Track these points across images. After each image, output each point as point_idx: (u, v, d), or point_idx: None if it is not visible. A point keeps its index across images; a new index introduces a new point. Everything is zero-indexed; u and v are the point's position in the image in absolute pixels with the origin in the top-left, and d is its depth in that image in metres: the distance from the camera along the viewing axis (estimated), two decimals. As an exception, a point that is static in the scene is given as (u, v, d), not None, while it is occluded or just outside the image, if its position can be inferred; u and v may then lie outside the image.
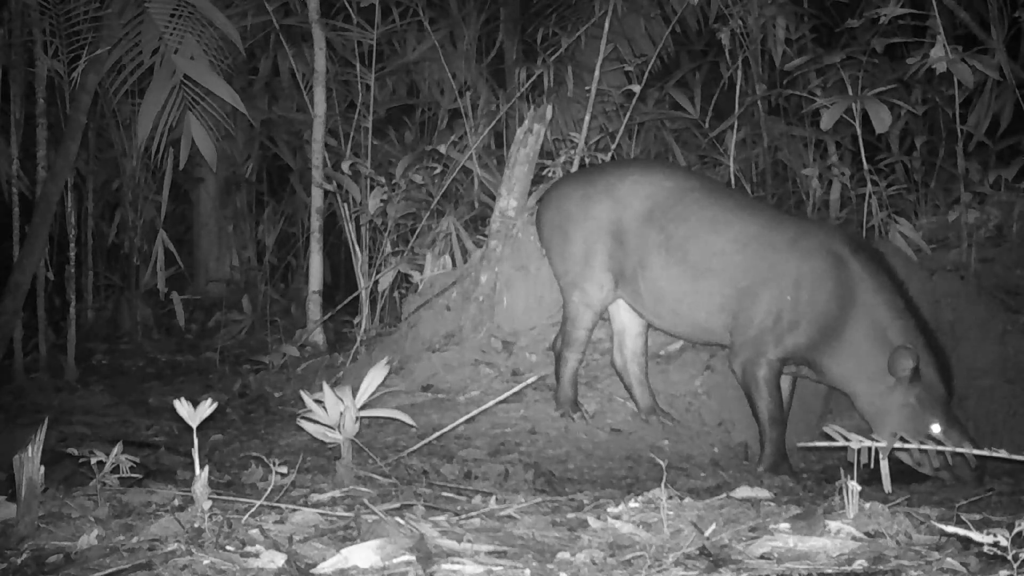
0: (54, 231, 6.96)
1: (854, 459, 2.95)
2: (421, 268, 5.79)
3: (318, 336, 6.41)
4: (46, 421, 2.75)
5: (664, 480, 2.89)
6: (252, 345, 7.25)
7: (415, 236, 6.18)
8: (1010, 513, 2.86)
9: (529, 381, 4.48)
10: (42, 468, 2.63)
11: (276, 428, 4.75)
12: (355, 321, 6.25)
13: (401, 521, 2.57)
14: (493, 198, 5.60)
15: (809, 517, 2.60)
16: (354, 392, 3.44)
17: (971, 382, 4.56)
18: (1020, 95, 5.71)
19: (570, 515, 2.85)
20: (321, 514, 2.70)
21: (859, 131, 5.29)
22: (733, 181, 5.96)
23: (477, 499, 3.16)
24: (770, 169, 6.35)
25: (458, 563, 2.28)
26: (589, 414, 4.46)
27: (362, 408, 3.47)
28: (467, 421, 4.22)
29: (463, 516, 2.78)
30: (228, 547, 2.36)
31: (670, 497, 2.83)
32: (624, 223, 4.33)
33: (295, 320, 7.37)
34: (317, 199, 6.52)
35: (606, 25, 5.81)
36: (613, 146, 6.15)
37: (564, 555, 2.40)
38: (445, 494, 3.28)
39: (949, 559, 2.26)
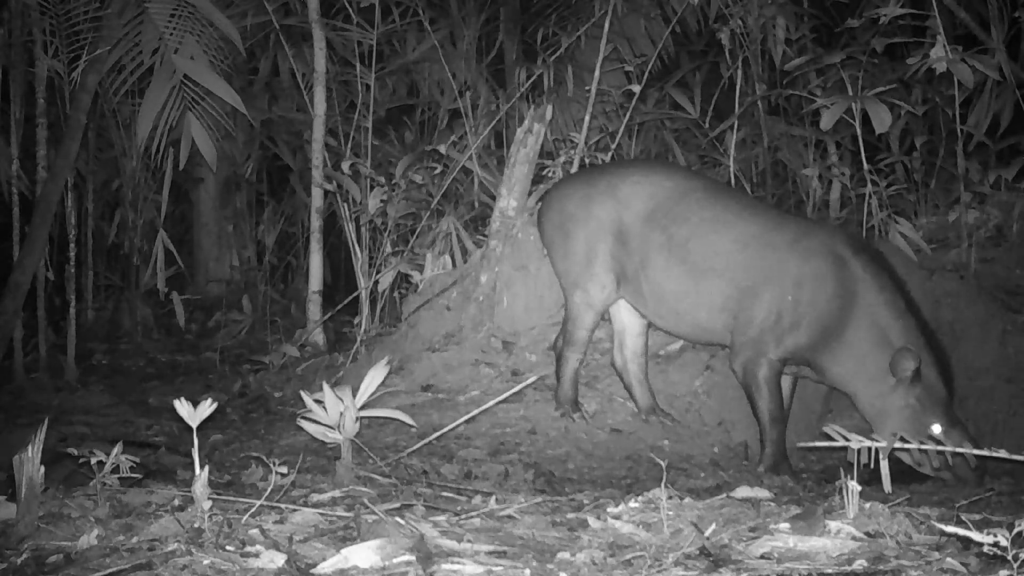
0: (54, 231, 6.97)
1: (854, 459, 2.95)
2: (421, 268, 5.79)
3: (318, 336, 6.41)
4: (46, 421, 2.75)
5: (664, 480, 2.88)
6: (252, 345, 7.25)
7: (415, 236, 6.18)
8: (1010, 513, 2.86)
9: (529, 381, 4.48)
10: (42, 468, 2.63)
11: (276, 428, 4.75)
12: (355, 321, 6.25)
13: (401, 521, 2.57)
14: (493, 198, 5.60)
15: (809, 517, 2.60)
16: (354, 392, 3.44)
17: (971, 382, 4.56)
18: (1020, 95, 5.71)
19: (570, 515, 2.85)
20: (321, 514, 2.70)
21: (859, 131, 5.29)
22: (733, 181, 5.96)
23: (477, 499, 3.16)
24: (770, 169, 6.35)
25: (458, 563, 2.28)
26: (589, 414, 4.46)
27: (362, 408, 3.47)
28: (467, 421, 4.22)
29: (463, 516, 2.78)
30: (228, 547, 2.36)
31: (670, 497, 2.83)
32: (626, 223, 4.33)
33: (295, 320, 7.37)
34: (317, 199, 6.52)
35: (606, 25, 5.81)
36: (613, 146, 6.15)
37: (564, 555, 2.40)
38: (445, 494, 3.28)
39: (949, 559, 2.26)
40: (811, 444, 3.27)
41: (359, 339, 5.78)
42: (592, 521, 2.71)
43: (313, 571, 2.26)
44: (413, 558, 2.29)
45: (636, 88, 5.91)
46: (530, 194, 5.27)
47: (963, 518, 2.56)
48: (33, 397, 5.82)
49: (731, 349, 4.21)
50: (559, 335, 4.57)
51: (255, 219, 9.05)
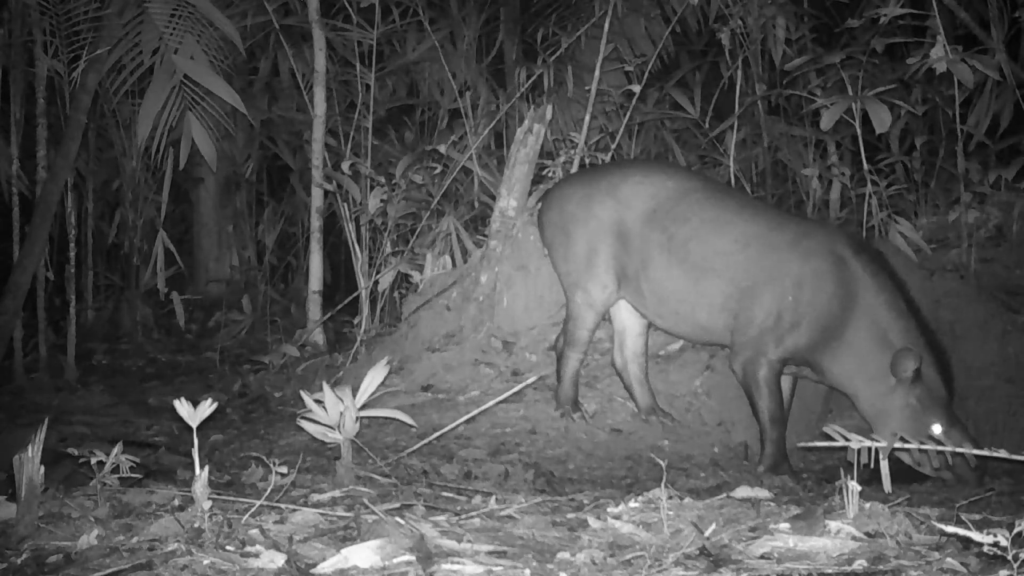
0: (54, 231, 6.97)
1: (854, 459, 2.95)
2: (421, 268, 5.79)
3: (318, 336, 6.41)
4: (46, 421, 2.75)
5: (664, 480, 2.88)
6: (252, 345, 7.24)
7: (415, 236, 6.18)
8: (1010, 513, 2.86)
9: (529, 381, 4.48)
10: (42, 468, 2.63)
11: (276, 428, 4.75)
12: (355, 321, 6.25)
13: (401, 521, 2.57)
14: (493, 198, 5.60)
15: (809, 517, 2.60)
16: (354, 392, 3.44)
17: (971, 382, 4.56)
18: (1020, 95, 5.70)
19: (570, 515, 2.85)
20: (321, 514, 2.70)
21: (859, 131, 5.29)
22: (733, 181, 5.96)
23: (477, 499, 3.16)
24: (770, 169, 6.35)
25: (458, 563, 2.28)
26: (589, 414, 4.46)
27: (362, 408, 3.47)
28: (467, 421, 4.22)
29: (463, 516, 2.78)
30: (228, 547, 2.36)
31: (670, 497, 2.83)
32: (626, 223, 4.33)
33: (295, 320, 7.37)
34: (317, 199, 6.52)
35: (606, 25, 5.80)
36: (613, 146, 6.15)
37: (564, 555, 2.40)
38: (445, 494, 3.28)
39: (949, 559, 2.26)
40: (811, 444, 3.27)
41: (359, 339, 5.78)
42: (592, 521, 2.71)
43: (313, 571, 2.26)
44: (413, 558, 2.29)
45: (636, 88, 5.91)
46: (530, 194, 5.27)
47: (963, 518, 2.56)
48: (33, 397, 5.82)
49: (731, 349, 4.21)
50: (560, 335, 4.57)
51: (255, 219, 9.05)
